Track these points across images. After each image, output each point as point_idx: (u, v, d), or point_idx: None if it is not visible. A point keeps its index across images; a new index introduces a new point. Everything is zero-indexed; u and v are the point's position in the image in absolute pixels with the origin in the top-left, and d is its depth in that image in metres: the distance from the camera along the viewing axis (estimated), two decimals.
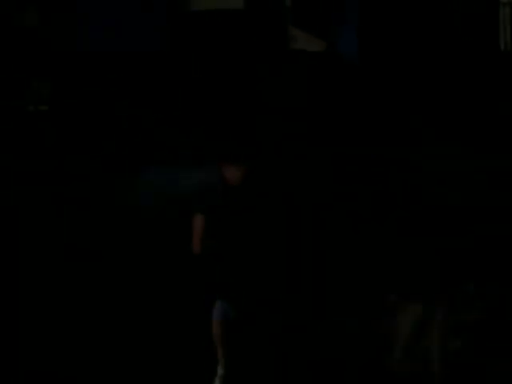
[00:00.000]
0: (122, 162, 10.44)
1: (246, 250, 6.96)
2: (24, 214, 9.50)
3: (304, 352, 7.02)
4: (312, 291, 7.87)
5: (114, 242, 8.94)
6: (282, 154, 10.11)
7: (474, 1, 10.11)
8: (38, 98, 11.57)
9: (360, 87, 11.18)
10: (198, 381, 6.50)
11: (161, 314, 7.82)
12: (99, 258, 8.72)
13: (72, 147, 10.92)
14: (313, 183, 9.69)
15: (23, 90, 11.59)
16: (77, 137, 11.14)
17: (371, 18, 11.03)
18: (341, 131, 11.02)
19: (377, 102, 11.11)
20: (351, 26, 11.30)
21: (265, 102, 11.21)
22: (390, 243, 8.53)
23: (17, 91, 11.54)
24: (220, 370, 6.41)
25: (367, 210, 9.41)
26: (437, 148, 10.36)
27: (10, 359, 6.74)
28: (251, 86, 11.25)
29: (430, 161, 10.26)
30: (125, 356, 6.83)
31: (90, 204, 9.61)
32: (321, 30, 11.49)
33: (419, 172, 9.91)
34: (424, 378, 6.85)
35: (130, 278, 8.43)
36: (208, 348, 6.59)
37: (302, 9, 11.49)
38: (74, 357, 6.71)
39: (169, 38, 11.18)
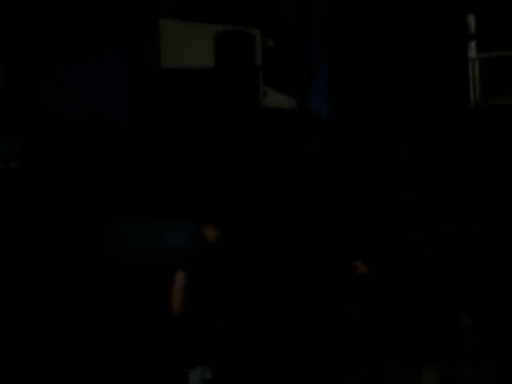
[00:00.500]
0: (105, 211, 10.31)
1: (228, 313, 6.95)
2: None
3: None
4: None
5: (94, 293, 8.84)
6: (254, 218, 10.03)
7: (442, 57, 10.03)
8: (7, 156, 11.47)
9: (331, 142, 11.06)
10: None
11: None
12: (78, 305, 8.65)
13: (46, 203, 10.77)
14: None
15: None
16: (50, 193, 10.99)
17: (340, 77, 10.96)
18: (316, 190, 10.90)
19: (348, 158, 10.98)
20: (321, 83, 11.27)
21: (236, 159, 11.10)
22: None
23: None
24: None
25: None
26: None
27: None
28: (224, 142, 11.15)
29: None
30: None
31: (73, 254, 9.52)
32: (291, 88, 11.45)
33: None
34: None
35: (107, 333, 8.28)
36: None
37: (272, 67, 11.48)
38: None
39: (138, 100, 11.11)
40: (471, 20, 10.08)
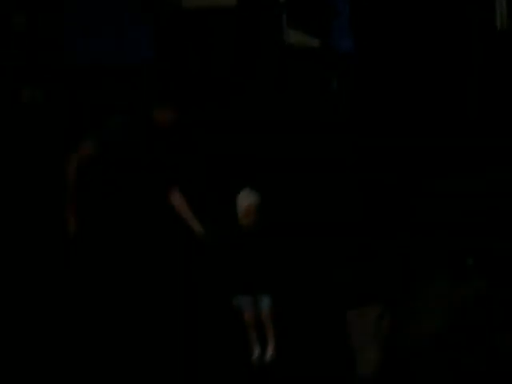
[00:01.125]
0: None
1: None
2: None
3: None
4: None
5: None
6: None
7: None
8: (31, 105, 11.44)
9: (357, 81, 10.94)
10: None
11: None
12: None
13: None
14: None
15: (17, 98, 11.47)
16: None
17: (363, 12, 10.82)
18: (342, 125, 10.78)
19: (375, 95, 10.86)
20: (344, 20, 11.11)
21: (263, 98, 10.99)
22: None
23: (10, 99, 11.42)
24: (256, 350, 6.18)
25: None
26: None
27: None
28: (248, 82, 11.05)
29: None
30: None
31: None
32: (315, 27, 11.30)
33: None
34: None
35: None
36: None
37: (295, 5, 11.33)
38: None
39: (158, 44, 10.99)
40: None
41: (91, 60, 11.16)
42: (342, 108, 10.95)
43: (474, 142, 9.79)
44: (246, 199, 6.33)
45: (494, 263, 7.90)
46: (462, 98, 10.10)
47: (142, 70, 11.01)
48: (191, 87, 11.00)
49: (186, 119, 6.26)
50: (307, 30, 11.27)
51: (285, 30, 11.24)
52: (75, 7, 11.19)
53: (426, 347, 6.59)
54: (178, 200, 6.33)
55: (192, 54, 11.04)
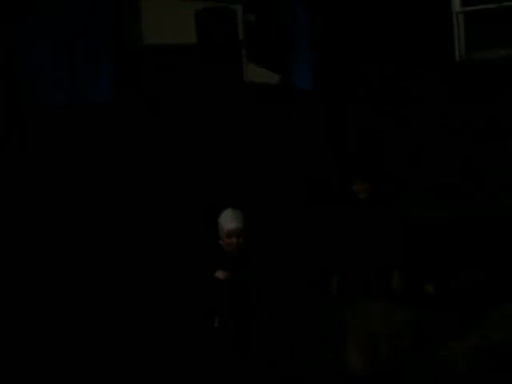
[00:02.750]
0: None
1: None
2: None
3: None
4: None
5: None
6: None
7: (426, 11, 9.93)
8: None
9: (315, 117, 11.02)
10: None
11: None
12: None
13: None
14: None
15: None
16: None
17: (323, 51, 10.93)
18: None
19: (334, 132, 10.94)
20: (304, 58, 11.23)
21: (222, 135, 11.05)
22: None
23: None
24: None
25: None
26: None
27: None
28: (207, 119, 11.11)
29: None
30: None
31: None
32: (274, 64, 11.42)
33: None
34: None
35: None
36: None
37: (254, 42, 11.47)
38: None
39: (119, 82, 11.08)
40: None
41: (52, 99, 11.21)
42: (303, 142, 11.03)
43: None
44: (229, 222, 6.02)
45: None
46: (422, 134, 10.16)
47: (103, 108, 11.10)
48: (154, 123, 11.11)
49: None
50: (267, 66, 11.39)
51: (244, 66, 11.35)
52: (37, 43, 11.26)
53: None
54: None
55: (153, 91, 11.12)
